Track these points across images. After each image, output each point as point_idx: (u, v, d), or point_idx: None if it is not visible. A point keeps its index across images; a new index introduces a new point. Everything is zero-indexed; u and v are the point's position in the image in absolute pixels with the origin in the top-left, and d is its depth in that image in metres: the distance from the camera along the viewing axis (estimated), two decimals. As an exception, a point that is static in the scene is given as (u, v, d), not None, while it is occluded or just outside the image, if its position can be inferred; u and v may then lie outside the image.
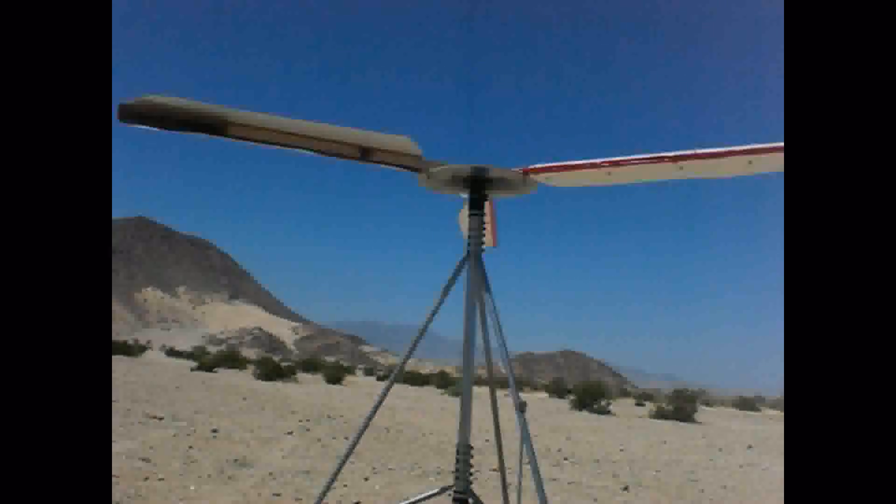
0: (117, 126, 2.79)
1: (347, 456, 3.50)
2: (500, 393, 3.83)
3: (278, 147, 3.20)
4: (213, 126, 3.08)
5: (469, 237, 3.50)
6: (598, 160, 3.34)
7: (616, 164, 3.30)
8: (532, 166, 3.41)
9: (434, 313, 3.47)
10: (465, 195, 3.55)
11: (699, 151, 3.22)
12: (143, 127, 2.97)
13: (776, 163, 3.26)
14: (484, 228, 3.52)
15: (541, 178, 3.44)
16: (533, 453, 3.08)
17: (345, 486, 7.16)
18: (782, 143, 3.11)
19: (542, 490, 3.02)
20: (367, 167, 3.31)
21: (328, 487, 3.47)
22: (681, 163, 3.23)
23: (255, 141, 3.15)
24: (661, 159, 3.26)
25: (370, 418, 3.51)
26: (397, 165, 3.36)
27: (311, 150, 3.22)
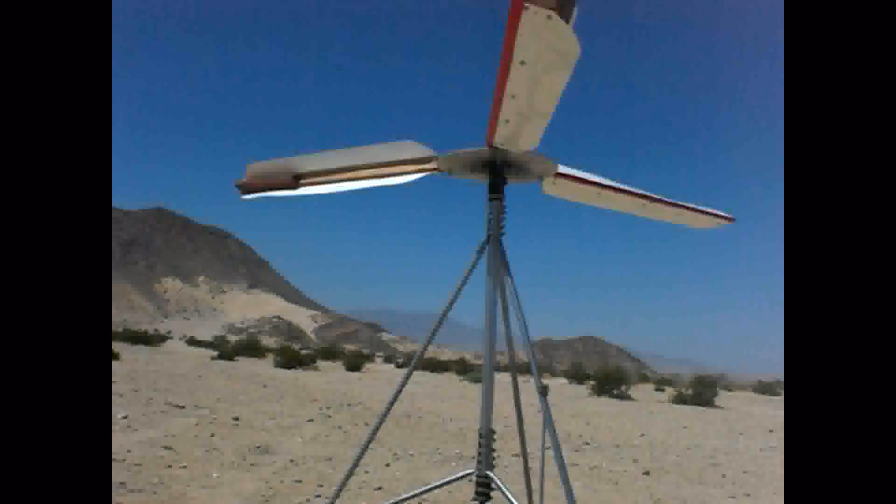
0: (128, 117, 2.84)
1: (369, 442, 3.51)
2: (521, 378, 3.83)
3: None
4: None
5: (489, 221, 3.49)
6: (608, 182, 3.84)
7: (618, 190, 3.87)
8: (563, 170, 3.65)
9: (456, 297, 3.46)
10: (485, 181, 3.54)
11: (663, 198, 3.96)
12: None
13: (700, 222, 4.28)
14: (503, 212, 3.51)
15: (558, 184, 3.77)
16: (556, 437, 3.08)
17: (366, 472, 7.18)
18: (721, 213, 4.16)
19: (566, 471, 3.02)
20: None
21: (350, 474, 3.48)
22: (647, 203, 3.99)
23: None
24: (640, 196, 3.90)
25: (391, 404, 3.51)
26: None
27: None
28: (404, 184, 3.69)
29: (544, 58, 2.33)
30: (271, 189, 3.81)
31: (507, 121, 2.82)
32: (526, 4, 2.06)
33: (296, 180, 3.77)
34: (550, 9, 2.08)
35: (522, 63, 2.37)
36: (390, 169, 3.64)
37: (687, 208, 4.07)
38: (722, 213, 4.20)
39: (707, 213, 4.16)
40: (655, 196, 3.95)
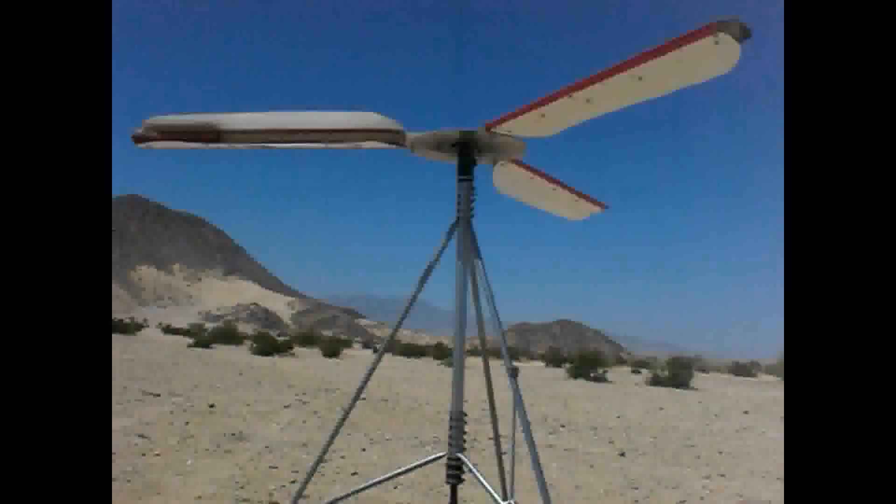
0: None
1: (340, 425, 3.48)
2: (497, 362, 3.82)
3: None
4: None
5: (459, 202, 3.47)
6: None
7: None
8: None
9: (424, 280, 3.45)
10: (454, 161, 3.52)
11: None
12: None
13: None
14: (473, 193, 3.49)
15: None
16: (526, 418, 3.08)
17: (342, 457, 7.17)
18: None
19: (536, 452, 3.02)
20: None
21: (321, 458, 3.46)
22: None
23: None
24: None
25: (362, 387, 3.49)
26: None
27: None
28: (352, 149, 3.44)
29: (667, 83, 2.36)
30: (180, 140, 3.41)
31: (542, 115, 2.88)
32: (718, 32, 2.08)
33: (218, 135, 3.32)
34: (736, 40, 2.12)
35: (640, 79, 2.38)
36: (341, 135, 3.28)
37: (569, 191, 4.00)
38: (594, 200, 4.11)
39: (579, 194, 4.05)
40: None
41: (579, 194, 4.02)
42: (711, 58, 2.32)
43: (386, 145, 3.28)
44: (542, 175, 3.82)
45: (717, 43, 2.21)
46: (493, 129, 3.25)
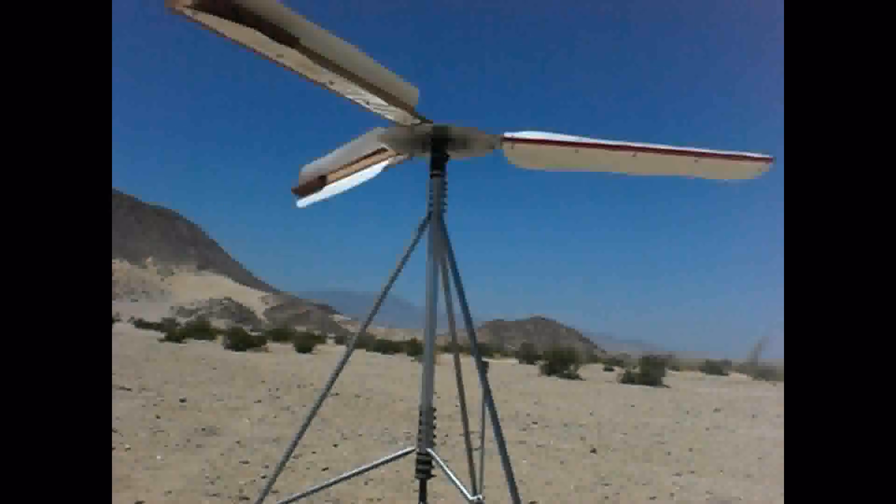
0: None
1: (310, 419, 3.47)
2: (468, 358, 3.83)
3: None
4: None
5: (430, 198, 3.47)
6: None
7: (586, 145, 3.41)
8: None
9: (396, 275, 3.45)
10: (426, 156, 3.52)
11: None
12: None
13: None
14: (444, 189, 3.49)
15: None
16: (495, 413, 3.09)
17: (313, 452, 7.15)
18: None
19: (505, 448, 3.04)
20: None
21: (290, 452, 3.45)
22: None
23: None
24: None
25: (332, 381, 3.48)
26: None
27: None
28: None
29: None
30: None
31: (576, 151, 3.19)
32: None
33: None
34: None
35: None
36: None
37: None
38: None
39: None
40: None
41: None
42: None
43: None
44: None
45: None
46: (507, 143, 3.46)
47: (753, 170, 3.49)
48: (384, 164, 3.72)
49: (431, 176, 3.47)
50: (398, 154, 3.65)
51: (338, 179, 4.01)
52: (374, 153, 3.81)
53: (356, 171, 3.89)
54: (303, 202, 4.15)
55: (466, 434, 3.88)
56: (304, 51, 2.59)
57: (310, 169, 4.13)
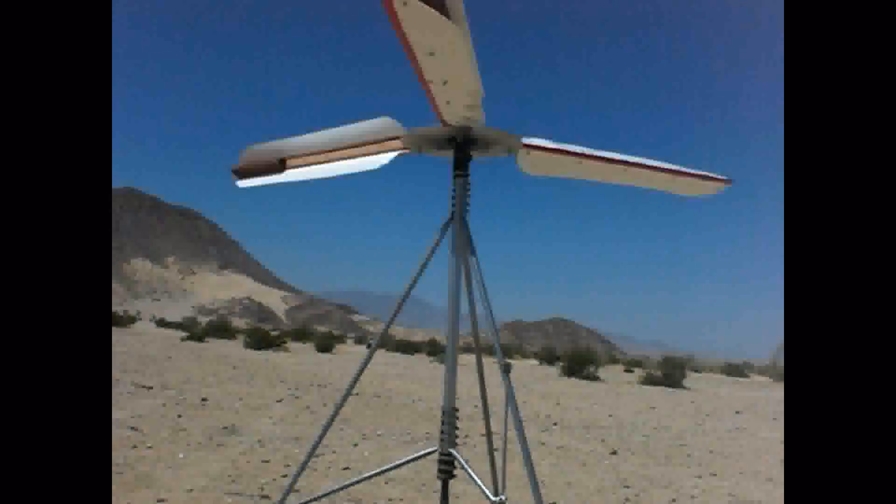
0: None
1: (332, 419, 3.48)
2: (490, 359, 3.82)
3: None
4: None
5: (454, 198, 3.45)
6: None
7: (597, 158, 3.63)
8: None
9: (418, 276, 3.44)
10: (450, 156, 3.50)
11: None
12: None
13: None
14: (468, 189, 3.47)
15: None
16: (518, 415, 3.08)
17: (334, 452, 7.17)
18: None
19: (528, 449, 3.02)
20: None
21: (312, 452, 3.46)
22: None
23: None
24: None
25: (354, 382, 3.48)
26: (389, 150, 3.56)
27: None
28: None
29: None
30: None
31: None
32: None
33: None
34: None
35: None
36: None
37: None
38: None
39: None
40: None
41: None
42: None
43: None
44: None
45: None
46: (527, 147, 3.51)
47: (714, 188, 4.01)
48: (391, 155, 3.59)
49: (455, 176, 3.45)
50: (405, 149, 3.55)
51: (320, 164, 3.81)
52: (373, 142, 3.66)
53: (349, 158, 3.72)
54: (244, 183, 3.99)
55: (489, 435, 3.87)
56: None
57: (265, 148, 3.91)
